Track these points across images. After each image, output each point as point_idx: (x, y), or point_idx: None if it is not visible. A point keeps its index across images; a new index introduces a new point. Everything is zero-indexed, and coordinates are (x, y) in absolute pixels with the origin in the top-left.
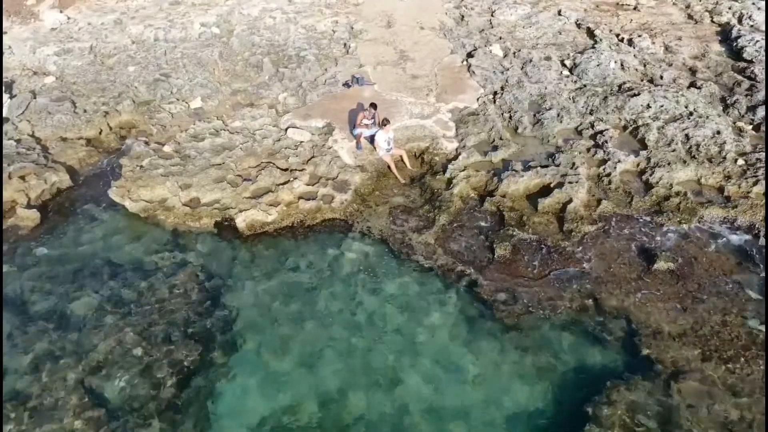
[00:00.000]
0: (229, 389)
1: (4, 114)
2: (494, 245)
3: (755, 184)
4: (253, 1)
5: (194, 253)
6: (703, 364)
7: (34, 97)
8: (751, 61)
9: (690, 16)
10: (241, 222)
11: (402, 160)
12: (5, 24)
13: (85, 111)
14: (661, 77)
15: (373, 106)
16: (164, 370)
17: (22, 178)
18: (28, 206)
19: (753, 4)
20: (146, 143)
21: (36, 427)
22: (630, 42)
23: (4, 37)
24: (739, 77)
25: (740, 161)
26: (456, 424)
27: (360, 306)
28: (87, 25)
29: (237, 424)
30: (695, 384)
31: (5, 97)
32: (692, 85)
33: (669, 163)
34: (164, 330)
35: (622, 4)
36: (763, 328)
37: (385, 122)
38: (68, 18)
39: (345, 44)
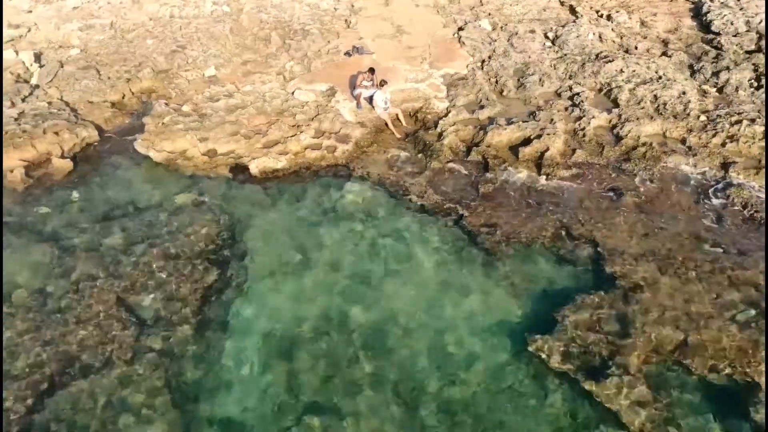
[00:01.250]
0: (245, 304)
1: (34, 81)
2: (479, 186)
3: (714, 136)
4: None
5: (212, 194)
6: (660, 280)
7: (62, 66)
8: (718, 33)
9: None
10: (254, 168)
11: (398, 118)
12: (29, 3)
13: (109, 78)
14: (636, 48)
15: (371, 70)
16: (188, 288)
17: (56, 133)
18: (62, 156)
19: None
20: (166, 104)
21: (80, 330)
22: (608, 17)
23: (30, 15)
24: (707, 47)
25: (702, 117)
26: (443, 331)
27: (360, 236)
28: (106, 3)
29: (252, 332)
30: (650, 295)
31: (35, 65)
32: (664, 54)
33: (638, 119)
34: (187, 257)
35: None
36: (716, 250)
37: (382, 83)
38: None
39: (346, 20)
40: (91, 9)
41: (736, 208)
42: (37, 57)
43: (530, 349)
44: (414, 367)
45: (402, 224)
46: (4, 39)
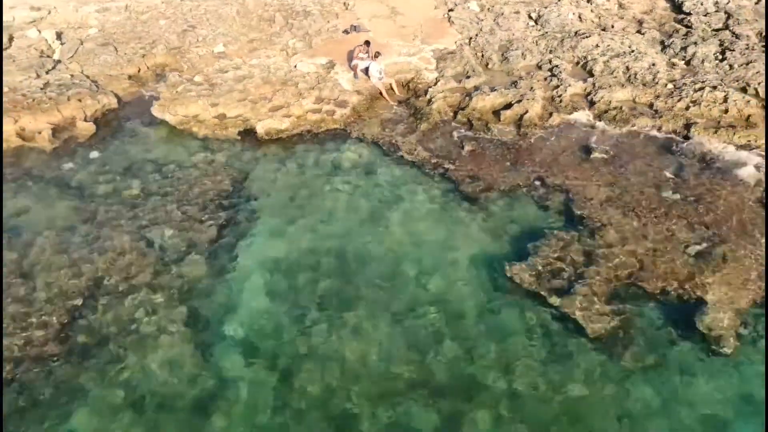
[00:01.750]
0: (251, 241)
1: (56, 57)
2: (463, 144)
3: (679, 101)
4: None
5: (222, 153)
6: (622, 220)
7: (81, 44)
8: (689, 13)
9: None
10: (260, 129)
11: (391, 87)
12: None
13: (125, 54)
14: (612, 26)
15: (367, 42)
16: (202, 227)
17: (79, 100)
18: (85, 120)
19: None
20: (179, 75)
21: (104, 259)
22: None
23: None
24: (678, 26)
25: (669, 85)
26: (431, 260)
27: (357, 187)
28: None
29: (258, 261)
30: (613, 232)
31: (57, 43)
32: (638, 32)
33: (610, 86)
34: (199, 204)
35: None
36: (674, 196)
37: (377, 54)
38: None
39: (344, 2)
40: None
41: (694, 161)
42: (59, 35)
43: (507, 274)
44: (404, 289)
45: (394, 176)
46: (25, 20)
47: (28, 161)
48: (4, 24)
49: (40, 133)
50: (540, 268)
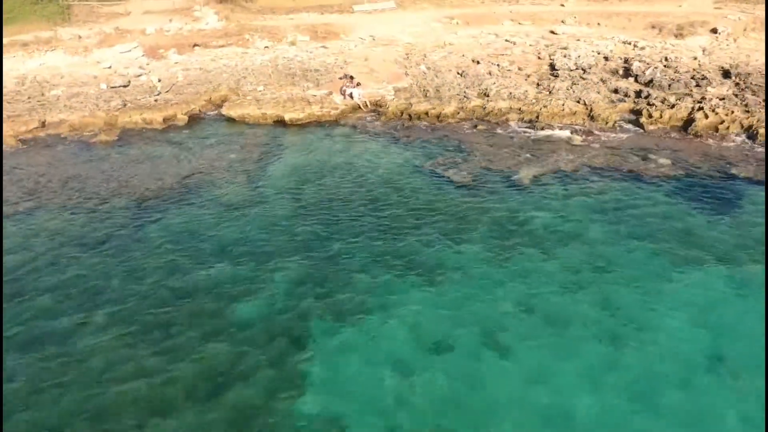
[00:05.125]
0: (281, 159)
1: (158, 90)
2: (404, 125)
3: (536, 107)
4: (288, 51)
5: (263, 129)
6: (487, 150)
7: (173, 85)
8: (558, 69)
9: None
10: (287, 117)
11: (366, 103)
12: (147, 60)
13: (199, 90)
14: (509, 77)
15: (351, 78)
16: (252, 156)
17: (176, 104)
18: (183, 115)
19: None
20: (236, 96)
21: (187, 165)
22: (498, 65)
23: (148, 65)
24: (551, 77)
25: (533, 100)
26: (377, 165)
27: (340, 143)
28: (195, 60)
29: (282, 175)
30: (477, 152)
31: (159, 83)
32: (524, 80)
33: (497, 101)
34: (249, 158)
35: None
36: (516, 141)
37: (357, 84)
38: (184, 58)
39: (341, 67)
40: (187, 63)
41: (528, 135)
42: (159, 80)
43: (422, 167)
44: (362, 178)
45: (362, 139)
46: (137, 73)
47: (147, 136)
48: (127, 75)
49: (154, 121)
50: (437, 163)
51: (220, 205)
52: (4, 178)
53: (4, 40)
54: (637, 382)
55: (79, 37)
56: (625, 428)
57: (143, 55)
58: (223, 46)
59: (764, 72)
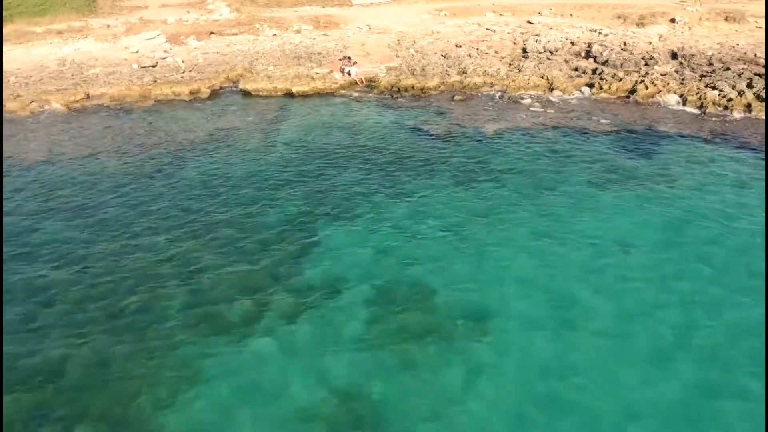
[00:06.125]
0: (289, 120)
1: (183, 69)
2: (395, 95)
3: (506, 80)
4: (294, 38)
5: (274, 101)
6: (460, 111)
7: (195, 65)
8: (528, 52)
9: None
10: (294, 90)
11: (362, 79)
12: (170, 45)
13: (218, 70)
14: (485, 57)
15: (349, 58)
16: (266, 116)
17: (199, 80)
18: (206, 89)
19: None
20: (250, 74)
21: (223, 120)
22: (477, 49)
23: (171, 50)
24: (521, 58)
25: (503, 76)
26: (370, 126)
27: (339, 109)
28: (212, 45)
29: (292, 129)
30: (454, 114)
31: (183, 64)
32: (498, 60)
33: (474, 76)
34: (264, 118)
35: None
36: (491, 112)
37: (354, 63)
38: (202, 44)
39: (341, 51)
40: (205, 48)
41: (497, 102)
42: (183, 61)
43: (407, 124)
44: (359, 138)
45: (358, 106)
46: (163, 56)
47: (176, 105)
48: (154, 57)
49: (182, 93)
50: (418, 122)
51: (241, 151)
52: (65, 134)
53: (39, 29)
54: (561, 255)
55: (108, 26)
56: (557, 276)
57: (166, 42)
58: (236, 33)
59: (706, 53)
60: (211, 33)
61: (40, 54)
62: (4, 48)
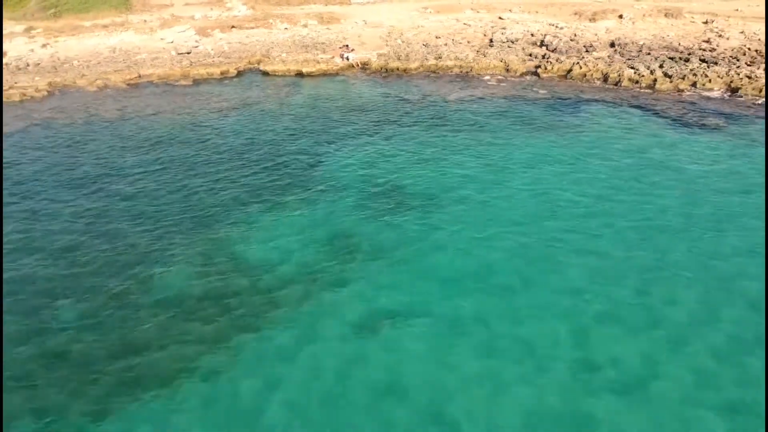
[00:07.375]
0: (300, 93)
1: (211, 54)
2: (383, 75)
3: (476, 65)
4: (302, 31)
5: (288, 78)
6: (447, 88)
7: (222, 52)
8: (492, 40)
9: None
10: (304, 71)
11: (359, 63)
12: (198, 38)
13: (240, 56)
14: (459, 46)
15: (347, 46)
16: (281, 90)
17: (228, 63)
18: (233, 70)
19: None
20: (267, 59)
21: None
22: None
23: (200, 42)
24: (489, 45)
25: (472, 62)
26: (365, 93)
27: (339, 86)
28: (234, 37)
29: (303, 95)
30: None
31: (209, 48)
32: (471, 49)
33: (447, 60)
34: (279, 94)
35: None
36: (468, 94)
37: (352, 49)
38: (226, 35)
39: (341, 41)
40: (229, 39)
41: (462, 79)
42: (212, 49)
43: (390, 95)
44: (354, 104)
45: (355, 83)
46: (195, 45)
47: (211, 82)
48: (188, 46)
49: (213, 75)
50: (399, 92)
51: (263, 113)
52: (128, 102)
53: (87, 23)
54: (493, 164)
55: (145, 21)
56: (488, 173)
57: (195, 34)
58: (253, 27)
59: (638, 42)
60: (233, 27)
61: (92, 43)
62: (61, 38)
